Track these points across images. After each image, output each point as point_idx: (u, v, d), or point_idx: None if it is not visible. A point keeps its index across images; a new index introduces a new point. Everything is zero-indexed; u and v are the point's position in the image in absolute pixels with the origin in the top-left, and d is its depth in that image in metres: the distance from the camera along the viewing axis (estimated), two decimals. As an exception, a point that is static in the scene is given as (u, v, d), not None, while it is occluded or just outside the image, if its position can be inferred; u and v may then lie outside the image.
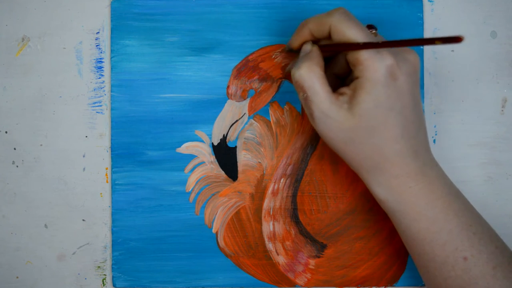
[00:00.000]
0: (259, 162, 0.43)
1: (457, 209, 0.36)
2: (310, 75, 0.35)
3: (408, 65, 0.35)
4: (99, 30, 0.44)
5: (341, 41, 0.35)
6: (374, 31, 0.37)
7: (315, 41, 0.38)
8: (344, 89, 0.35)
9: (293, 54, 0.43)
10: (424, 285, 0.43)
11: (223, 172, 0.43)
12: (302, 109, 0.43)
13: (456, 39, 0.30)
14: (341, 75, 0.39)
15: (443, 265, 0.35)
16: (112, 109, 0.43)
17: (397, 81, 0.34)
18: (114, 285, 0.43)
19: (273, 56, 0.43)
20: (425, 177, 0.35)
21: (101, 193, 0.43)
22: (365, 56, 0.34)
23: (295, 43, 0.38)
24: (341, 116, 0.35)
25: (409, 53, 0.35)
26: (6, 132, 0.43)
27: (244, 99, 0.43)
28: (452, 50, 0.44)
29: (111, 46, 0.43)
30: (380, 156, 0.35)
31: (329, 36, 0.36)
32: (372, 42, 0.34)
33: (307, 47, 0.37)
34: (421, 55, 0.43)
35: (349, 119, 0.34)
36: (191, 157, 0.43)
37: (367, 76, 0.34)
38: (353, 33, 0.34)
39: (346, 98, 0.35)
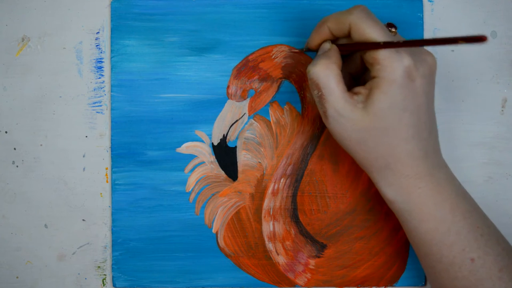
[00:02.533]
0: (259, 162, 0.43)
1: (465, 211, 0.36)
2: (326, 73, 0.35)
3: (425, 66, 0.34)
4: (99, 30, 0.44)
5: (361, 39, 0.35)
6: (393, 30, 0.36)
7: (333, 40, 0.37)
8: (359, 89, 0.35)
9: (296, 54, 0.43)
10: (424, 285, 0.43)
11: (223, 172, 0.43)
12: (302, 109, 0.43)
13: (480, 39, 0.29)
14: (355, 74, 0.39)
15: (450, 266, 0.35)
16: (112, 109, 0.43)
17: (414, 83, 0.34)
18: (114, 285, 0.43)
19: (273, 56, 0.43)
20: (434, 179, 0.35)
21: (101, 193, 0.43)
22: (383, 55, 0.33)
23: (314, 42, 0.38)
24: (356, 116, 0.34)
25: (426, 54, 0.35)
26: (6, 132, 0.43)
27: (244, 99, 0.43)
28: (452, 50, 0.44)
29: (111, 46, 0.43)
30: (391, 156, 0.35)
31: (348, 35, 0.36)
32: (391, 42, 0.33)
33: (326, 45, 0.37)
34: (421, 55, 0.43)
35: (364, 118, 0.34)
36: (191, 157, 0.43)
37: (384, 76, 0.33)
38: (373, 31, 0.34)
39: (361, 98, 0.35)
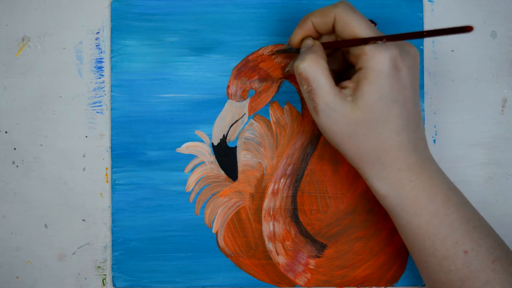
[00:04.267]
0: (259, 162, 0.43)
1: (457, 203, 0.36)
2: (315, 68, 0.35)
3: (410, 58, 0.35)
4: (99, 30, 0.44)
5: (345, 32, 0.35)
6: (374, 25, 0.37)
7: (315, 38, 0.38)
8: (346, 83, 0.35)
9: (292, 54, 0.43)
10: (424, 285, 0.43)
11: (223, 172, 0.43)
12: (302, 109, 0.43)
13: (465, 29, 0.30)
14: (337, 72, 0.39)
15: (444, 260, 0.35)
16: (112, 109, 0.43)
17: (400, 73, 0.34)
18: (114, 285, 0.43)
19: (273, 56, 0.43)
20: (425, 172, 0.36)
21: (101, 193, 0.43)
22: (369, 46, 0.34)
23: (296, 37, 0.38)
24: (346, 109, 0.35)
25: (409, 46, 0.36)
26: (6, 132, 0.43)
27: (244, 99, 0.43)
28: (452, 50, 0.44)
29: (111, 46, 0.43)
30: (383, 149, 0.35)
31: (332, 30, 0.36)
32: (375, 37, 0.34)
33: (309, 42, 0.37)
34: (421, 55, 0.43)
35: (354, 111, 0.34)
36: (191, 157, 0.43)
37: (371, 66, 0.34)
38: (358, 24, 0.34)
39: (349, 91, 0.35)
